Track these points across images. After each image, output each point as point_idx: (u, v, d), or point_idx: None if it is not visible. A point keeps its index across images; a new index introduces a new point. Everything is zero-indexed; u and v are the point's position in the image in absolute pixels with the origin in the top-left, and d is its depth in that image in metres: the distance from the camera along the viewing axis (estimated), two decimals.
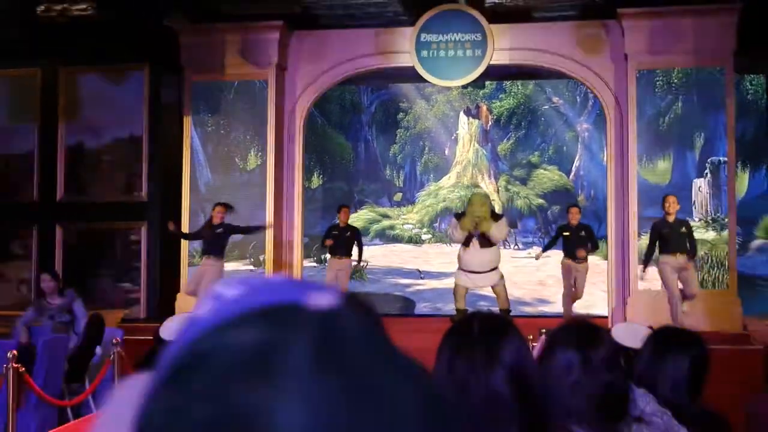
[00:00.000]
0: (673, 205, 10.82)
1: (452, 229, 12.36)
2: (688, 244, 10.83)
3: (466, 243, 12.07)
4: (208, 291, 0.82)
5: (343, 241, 12.52)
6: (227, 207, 11.83)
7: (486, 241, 11.96)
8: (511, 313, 12.35)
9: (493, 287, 12.23)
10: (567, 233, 12.12)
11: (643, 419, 2.78)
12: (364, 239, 14.64)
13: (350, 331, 0.69)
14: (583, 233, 12.07)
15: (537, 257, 12.98)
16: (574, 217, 12.14)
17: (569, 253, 12.07)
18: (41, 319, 9.03)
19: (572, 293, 12.13)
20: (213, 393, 0.65)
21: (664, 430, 2.82)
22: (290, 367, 0.65)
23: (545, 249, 12.73)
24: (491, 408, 2.11)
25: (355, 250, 12.61)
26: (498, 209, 15.18)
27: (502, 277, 12.20)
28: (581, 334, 2.61)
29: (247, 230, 12.05)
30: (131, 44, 13.48)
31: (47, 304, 9.21)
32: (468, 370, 2.20)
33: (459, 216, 12.35)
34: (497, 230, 12.03)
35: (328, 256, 12.77)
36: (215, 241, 11.70)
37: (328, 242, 12.41)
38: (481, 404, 2.10)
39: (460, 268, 12.17)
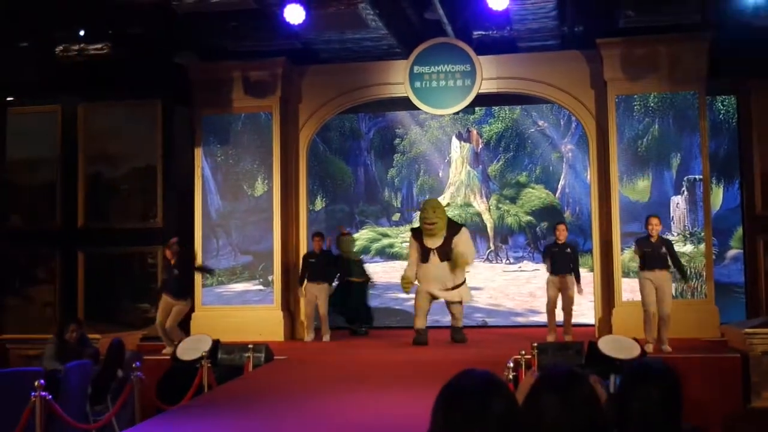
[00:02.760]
0: (656, 227, 10.71)
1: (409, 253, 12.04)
2: (670, 262, 10.69)
3: (424, 258, 11.75)
4: None
5: (318, 266, 12.56)
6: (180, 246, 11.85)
7: (445, 255, 11.61)
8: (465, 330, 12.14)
9: (449, 304, 11.86)
10: (555, 249, 11.75)
11: None
12: (365, 258, 14.67)
13: None
14: (568, 250, 11.79)
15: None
16: (562, 234, 11.82)
17: (555, 270, 11.66)
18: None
19: (555, 308, 11.71)
20: None
21: None
22: None
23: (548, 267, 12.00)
24: None
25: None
26: (489, 227, 15.16)
27: (467, 297, 11.89)
28: (560, 378, 2.64)
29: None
30: (145, 81, 13.53)
31: (67, 351, 9.05)
32: (463, 422, 2.25)
33: (415, 233, 12.04)
34: (463, 246, 11.62)
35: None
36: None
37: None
38: None
39: (420, 285, 11.86)
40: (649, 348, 10.21)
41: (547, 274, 11.82)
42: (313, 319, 12.61)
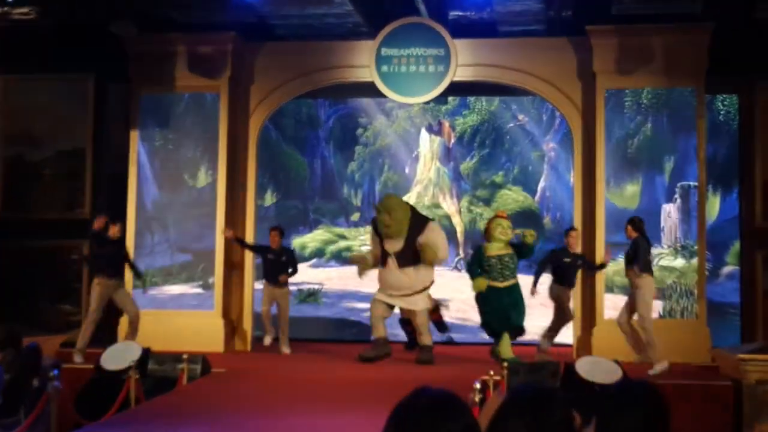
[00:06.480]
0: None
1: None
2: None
3: (382, 261, 11.71)
4: None
5: (279, 265, 12.52)
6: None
7: (406, 260, 11.48)
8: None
9: (412, 316, 11.74)
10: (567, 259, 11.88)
11: None
12: (319, 261, 14.62)
13: None
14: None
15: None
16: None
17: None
18: None
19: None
20: None
21: None
22: None
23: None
24: None
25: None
26: (459, 231, 15.16)
27: (426, 305, 11.71)
28: (529, 400, 2.59)
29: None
30: (76, 52, 13.41)
31: None
32: None
33: (374, 224, 11.96)
34: (431, 252, 11.46)
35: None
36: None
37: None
38: None
39: (379, 289, 11.83)
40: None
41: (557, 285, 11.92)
42: (270, 319, 12.54)
